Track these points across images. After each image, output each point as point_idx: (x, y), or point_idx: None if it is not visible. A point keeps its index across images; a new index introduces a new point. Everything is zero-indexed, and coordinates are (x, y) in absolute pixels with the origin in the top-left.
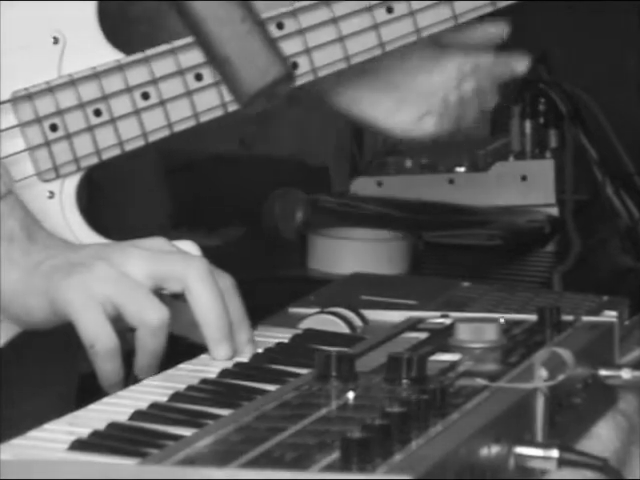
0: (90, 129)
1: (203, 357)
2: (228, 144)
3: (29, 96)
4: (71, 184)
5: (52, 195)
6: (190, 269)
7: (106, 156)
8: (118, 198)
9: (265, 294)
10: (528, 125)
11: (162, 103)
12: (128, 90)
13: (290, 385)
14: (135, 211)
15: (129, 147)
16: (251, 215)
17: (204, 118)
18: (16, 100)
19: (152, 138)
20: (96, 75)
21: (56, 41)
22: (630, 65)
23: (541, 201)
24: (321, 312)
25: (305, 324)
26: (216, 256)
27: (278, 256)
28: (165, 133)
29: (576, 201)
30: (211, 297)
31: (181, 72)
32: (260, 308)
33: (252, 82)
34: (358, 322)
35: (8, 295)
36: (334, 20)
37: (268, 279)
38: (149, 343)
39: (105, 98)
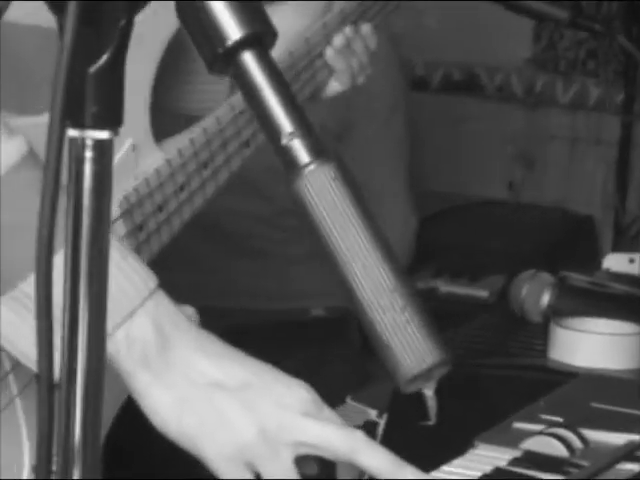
0: None
1: None
2: (497, 188)
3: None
4: None
5: None
6: (355, 447)
7: None
8: None
9: (503, 383)
10: None
11: None
12: None
13: None
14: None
15: None
16: (513, 264)
17: None
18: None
19: None
20: None
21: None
22: None
23: None
24: (541, 433)
25: (525, 445)
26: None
27: (521, 340)
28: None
29: None
30: (387, 462)
31: None
32: (497, 398)
33: (410, 368)
34: (578, 444)
35: (136, 394)
36: None
37: (507, 366)
38: None
39: None
